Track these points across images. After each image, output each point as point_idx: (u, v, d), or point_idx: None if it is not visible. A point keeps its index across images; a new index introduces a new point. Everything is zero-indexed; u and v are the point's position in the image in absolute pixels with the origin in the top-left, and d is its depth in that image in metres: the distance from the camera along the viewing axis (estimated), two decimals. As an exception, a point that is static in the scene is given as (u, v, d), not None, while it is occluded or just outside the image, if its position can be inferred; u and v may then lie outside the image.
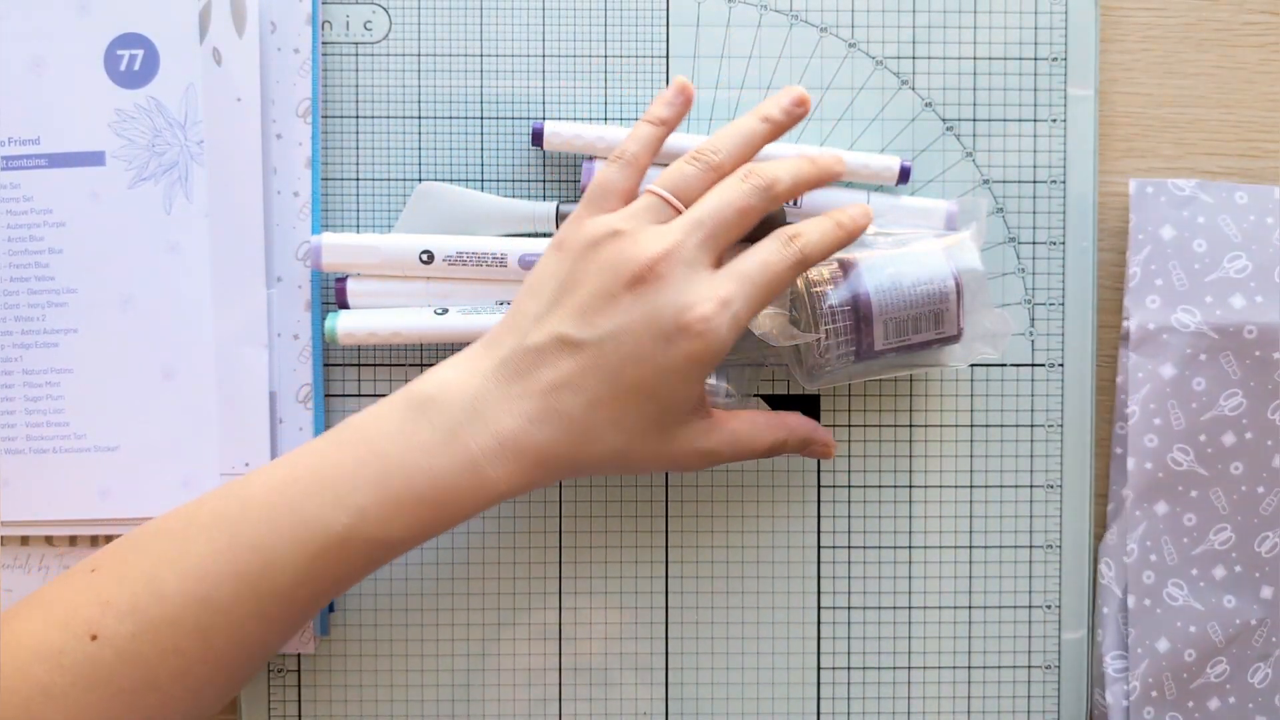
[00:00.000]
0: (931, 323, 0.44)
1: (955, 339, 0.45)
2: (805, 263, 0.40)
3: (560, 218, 0.47)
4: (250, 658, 0.38)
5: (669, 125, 0.43)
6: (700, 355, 0.38)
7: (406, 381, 0.49)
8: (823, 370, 0.45)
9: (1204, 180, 0.48)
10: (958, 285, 0.44)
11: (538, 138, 0.47)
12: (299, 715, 0.49)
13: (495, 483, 0.38)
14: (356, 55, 0.49)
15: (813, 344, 0.44)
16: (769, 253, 0.40)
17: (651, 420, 0.39)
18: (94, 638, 0.36)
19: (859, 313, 0.43)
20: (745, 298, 0.39)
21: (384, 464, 0.38)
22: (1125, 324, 0.48)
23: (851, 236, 0.42)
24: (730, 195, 0.40)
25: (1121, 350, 0.48)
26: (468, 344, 0.49)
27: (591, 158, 0.47)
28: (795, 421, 0.44)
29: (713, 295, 0.38)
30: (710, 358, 0.38)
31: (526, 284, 0.41)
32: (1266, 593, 0.48)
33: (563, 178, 0.49)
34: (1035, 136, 0.49)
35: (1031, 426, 0.49)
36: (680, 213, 0.40)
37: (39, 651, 0.36)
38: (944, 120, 0.49)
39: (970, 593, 0.49)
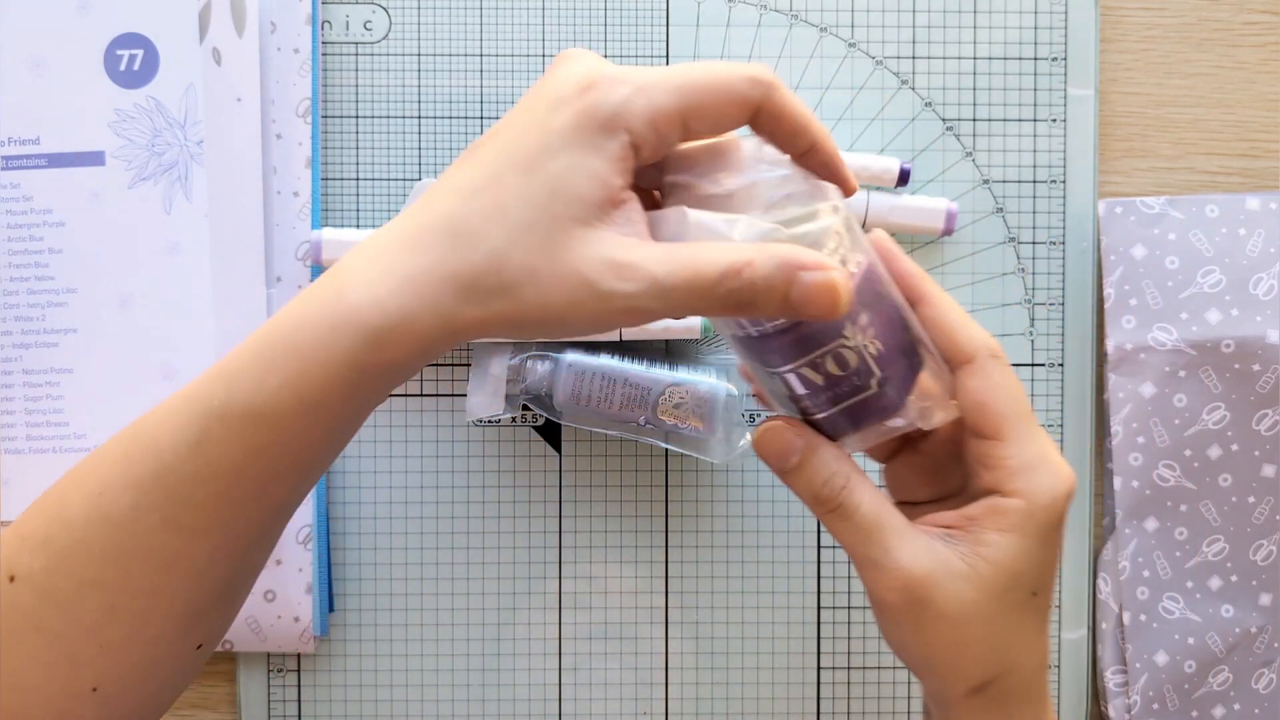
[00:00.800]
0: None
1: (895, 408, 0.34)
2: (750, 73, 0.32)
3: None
4: (186, 596, 0.33)
5: None
6: (593, 111, 0.30)
7: (405, 380, 0.49)
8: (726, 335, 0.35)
9: (1173, 196, 0.48)
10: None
11: (538, 138, 0.47)
12: (299, 715, 0.49)
13: (358, 309, 0.30)
14: (356, 55, 0.49)
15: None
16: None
17: (538, 207, 0.30)
18: (12, 579, 0.32)
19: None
20: (660, 79, 0.31)
21: (268, 325, 0.32)
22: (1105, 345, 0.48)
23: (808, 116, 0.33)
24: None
25: (1104, 370, 0.48)
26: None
27: (591, 158, 0.47)
28: (779, 250, 0.31)
29: (623, 71, 0.31)
30: (605, 118, 0.30)
31: None
32: (1265, 599, 0.48)
33: (563, 178, 0.49)
34: (1035, 136, 0.49)
35: (1031, 426, 0.49)
36: None
37: None
38: (944, 120, 0.49)
39: (970, 593, 0.49)
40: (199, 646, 0.35)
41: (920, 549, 0.33)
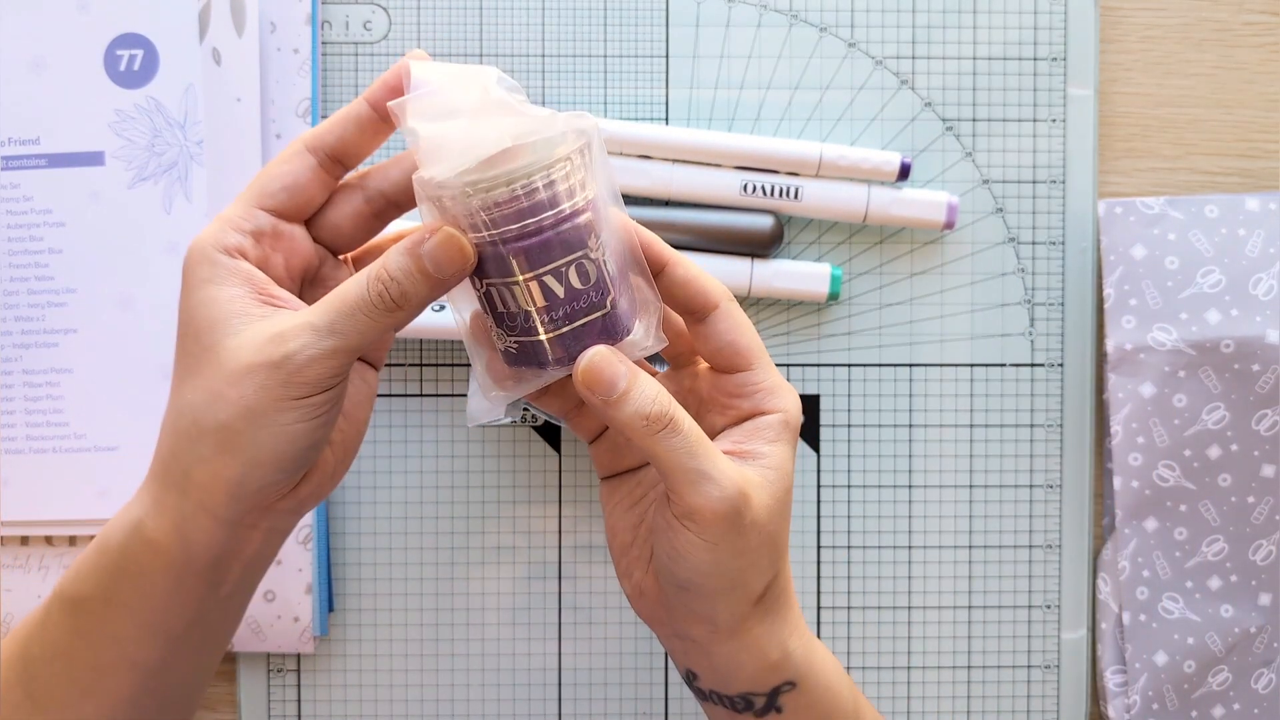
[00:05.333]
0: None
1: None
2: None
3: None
4: None
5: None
6: (187, 258, 0.33)
7: (405, 380, 0.49)
8: None
9: (1172, 197, 0.48)
10: None
11: (537, 137, 0.47)
12: (299, 715, 0.49)
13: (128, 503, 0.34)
14: (356, 55, 0.49)
15: None
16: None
17: (188, 353, 0.33)
18: None
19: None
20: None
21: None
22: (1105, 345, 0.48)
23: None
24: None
25: (1104, 369, 0.49)
26: (464, 340, 0.49)
27: (591, 158, 0.47)
28: (401, 242, 0.32)
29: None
30: (197, 253, 0.33)
31: None
32: (1265, 599, 0.48)
33: (562, 178, 0.49)
34: (1035, 136, 0.49)
35: (1031, 426, 0.49)
36: None
37: None
38: (944, 120, 0.49)
39: (970, 593, 0.49)
40: None
41: (731, 462, 0.34)
